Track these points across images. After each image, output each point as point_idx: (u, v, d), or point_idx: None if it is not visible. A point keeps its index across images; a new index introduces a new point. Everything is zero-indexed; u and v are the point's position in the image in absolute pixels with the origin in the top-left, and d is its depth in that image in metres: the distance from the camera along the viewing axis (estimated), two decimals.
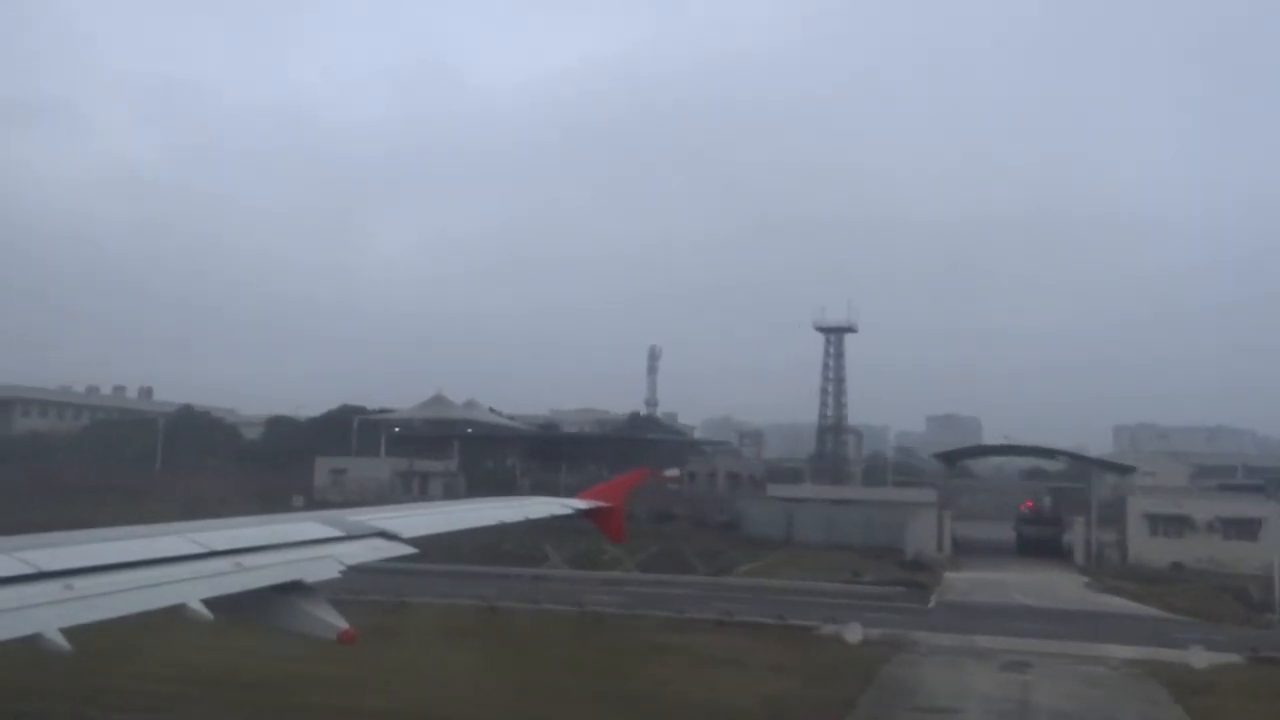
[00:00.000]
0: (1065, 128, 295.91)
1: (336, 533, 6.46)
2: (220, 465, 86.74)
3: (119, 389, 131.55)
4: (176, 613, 4.74)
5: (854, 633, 31.81)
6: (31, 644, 4.03)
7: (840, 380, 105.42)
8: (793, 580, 48.29)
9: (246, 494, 62.04)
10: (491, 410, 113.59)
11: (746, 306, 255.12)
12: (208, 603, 4.84)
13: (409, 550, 6.66)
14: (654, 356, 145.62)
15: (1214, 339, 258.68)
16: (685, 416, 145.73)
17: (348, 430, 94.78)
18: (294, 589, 5.36)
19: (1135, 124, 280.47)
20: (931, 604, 44.07)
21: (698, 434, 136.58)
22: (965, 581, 52.90)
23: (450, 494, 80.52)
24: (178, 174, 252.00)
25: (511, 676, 24.20)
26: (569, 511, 9.59)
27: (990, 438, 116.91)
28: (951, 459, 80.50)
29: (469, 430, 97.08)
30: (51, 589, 4.48)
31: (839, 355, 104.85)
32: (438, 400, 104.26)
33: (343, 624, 5.11)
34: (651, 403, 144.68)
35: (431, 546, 7.04)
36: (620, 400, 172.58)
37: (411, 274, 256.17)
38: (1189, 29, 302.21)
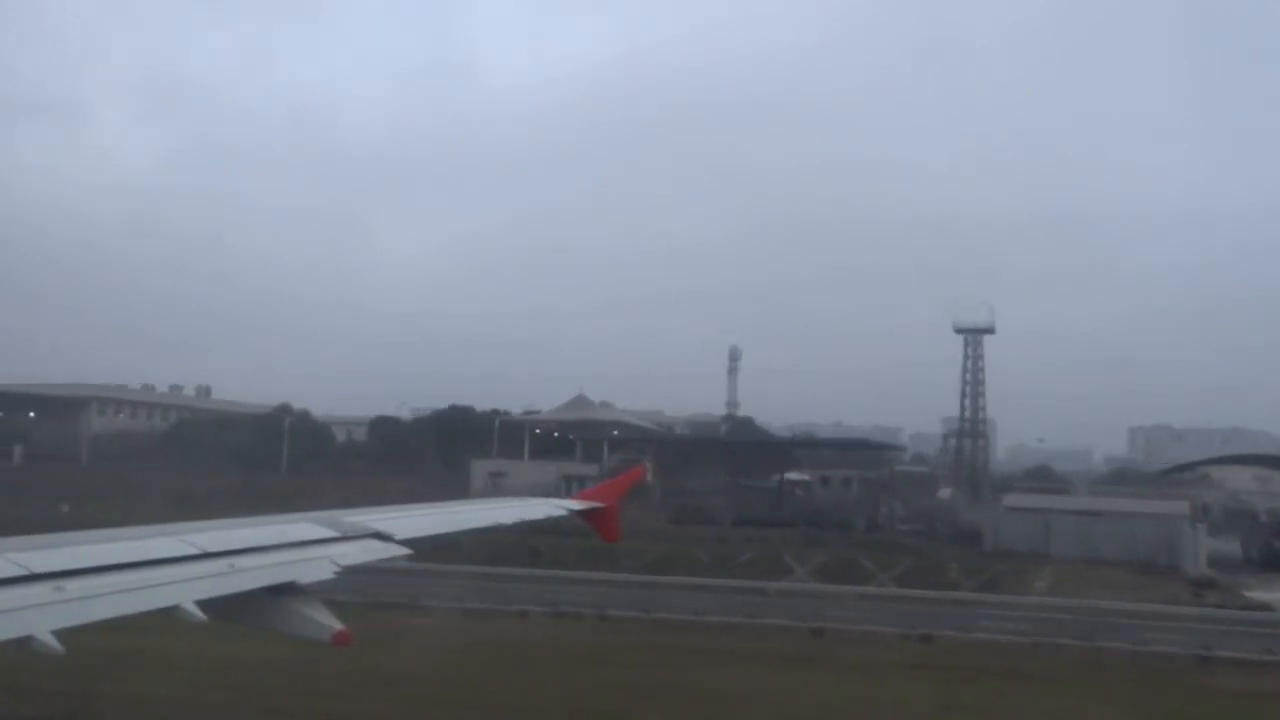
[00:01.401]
0: (1081, 124, 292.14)
1: (331, 533, 6.44)
2: (335, 466, 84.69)
3: (175, 388, 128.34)
4: (170, 614, 4.73)
5: None
6: (23, 646, 4.02)
7: (979, 383, 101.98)
8: (1101, 600, 43.10)
9: (400, 497, 61.52)
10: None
11: (808, 308, 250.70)
12: (201, 604, 4.82)
13: (403, 551, 6.65)
14: (734, 357, 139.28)
15: (1229, 338, 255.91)
16: (763, 420, 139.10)
17: (456, 431, 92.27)
18: (288, 590, 5.34)
19: (1156, 121, 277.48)
20: None
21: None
22: None
23: None
24: (180, 174, 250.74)
25: None
26: (564, 512, 9.59)
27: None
28: (1181, 470, 78.05)
29: (615, 433, 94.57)
30: (43, 591, 4.45)
31: (978, 357, 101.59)
32: (579, 401, 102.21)
33: (337, 625, 5.10)
34: (732, 404, 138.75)
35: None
36: (682, 402, 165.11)
37: (437, 274, 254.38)
38: (1228, 19, 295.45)
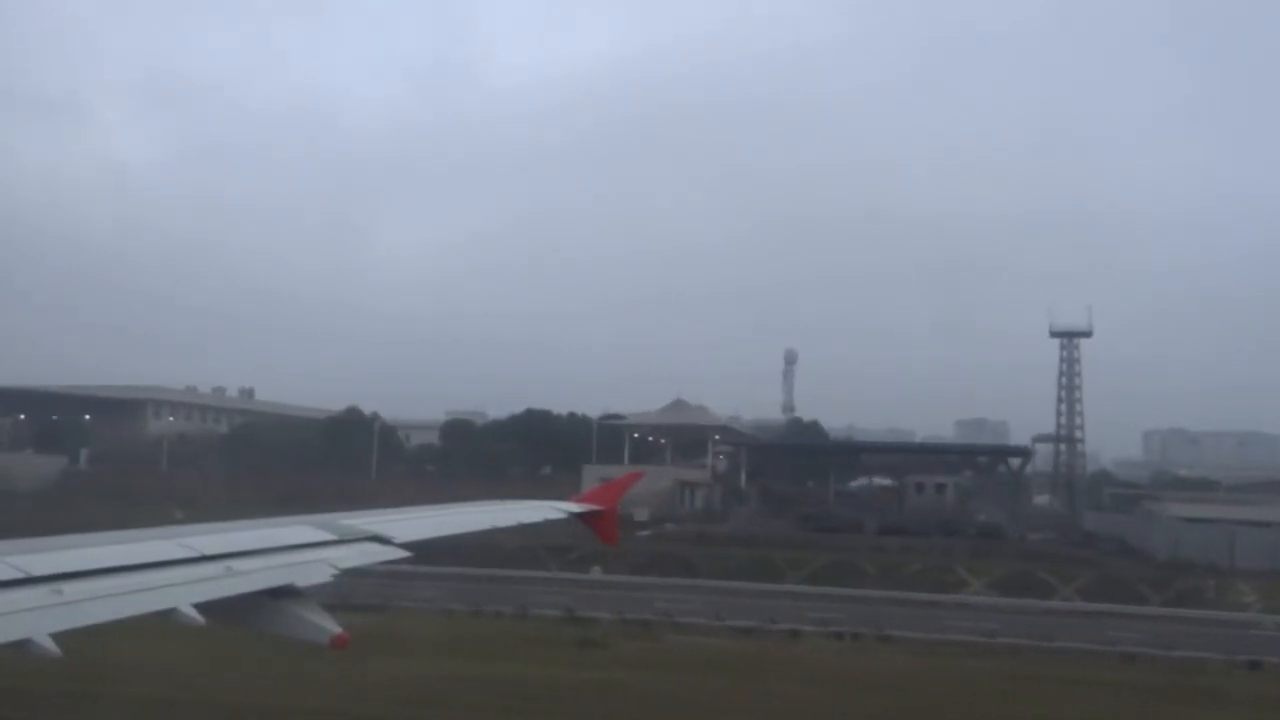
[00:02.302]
0: (1098, 126, 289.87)
1: (329, 536, 6.43)
2: (412, 470, 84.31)
3: (218, 390, 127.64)
4: (168, 617, 4.72)
5: None
6: (21, 649, 4.01)
7: (1075, 388, 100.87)
8: None
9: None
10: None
11: (847, 308, 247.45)
12: (199, 607, 4.82)
13: (402, 554, 6.64)
14: (790, 360, 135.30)
15: (1242, 340, 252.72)
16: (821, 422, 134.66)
17: (535, 435, 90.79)
18: (286, 593, 5.34)
19: (1177, 122, 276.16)
20: None
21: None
22: None
23: (709, 508, 79.24)
24: (179, 173, 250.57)
25: None
26: (562, 515, 9.57)
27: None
28: None
29: (717, 437, 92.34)
30: (41, 594, 4.44)
31: (1073, 361, 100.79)
32: (678, 405, 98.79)
33: (335, 628, 5.09)
34: (788, 408, 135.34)
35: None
36: (735, 405, 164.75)
37: (452, 275, 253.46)
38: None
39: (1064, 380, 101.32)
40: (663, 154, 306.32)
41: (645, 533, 67.13)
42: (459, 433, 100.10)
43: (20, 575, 4.50)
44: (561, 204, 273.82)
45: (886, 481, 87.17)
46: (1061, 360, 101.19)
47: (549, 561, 52.38)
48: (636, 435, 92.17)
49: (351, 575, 5.93)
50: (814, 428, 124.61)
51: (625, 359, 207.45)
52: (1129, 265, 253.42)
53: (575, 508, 9.76)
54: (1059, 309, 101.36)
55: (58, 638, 4.11)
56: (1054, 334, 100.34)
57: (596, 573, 51.07)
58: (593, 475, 78.11)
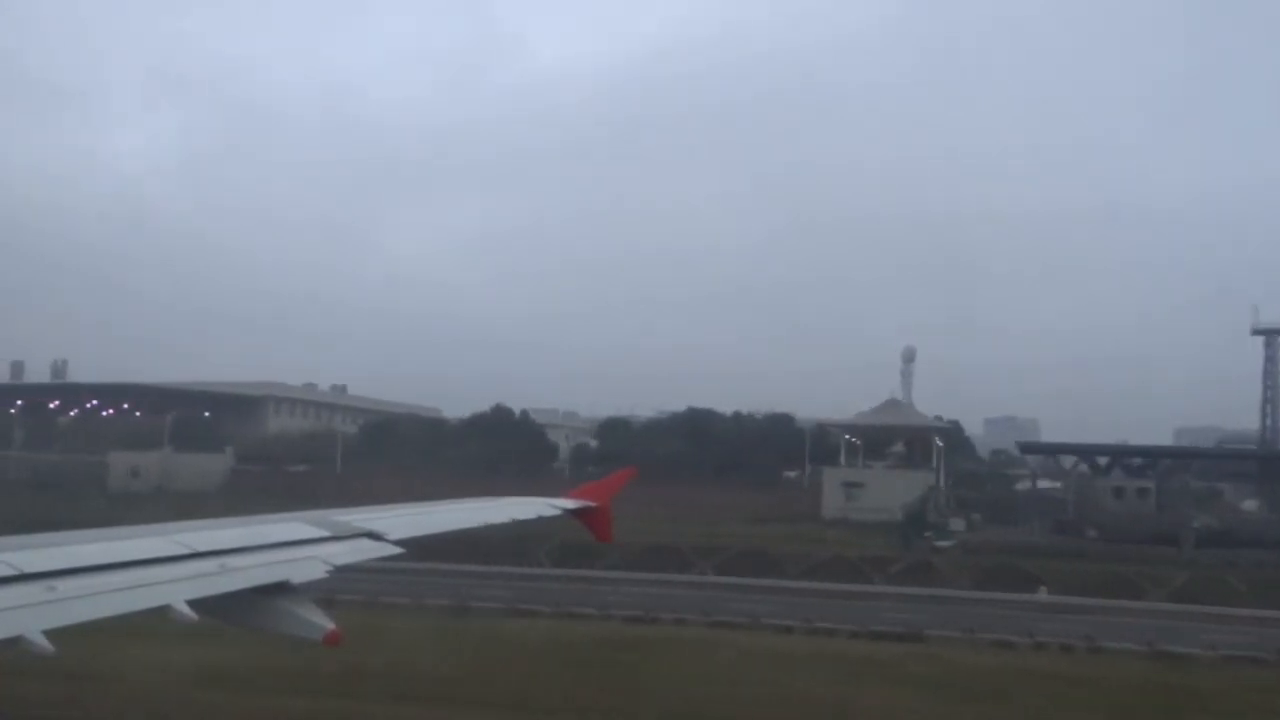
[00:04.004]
0: (1138, 118, 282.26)
1: (322, 533, 6.42)
2: (575, 470, 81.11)
3: (309, 385, 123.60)
4: (161, 614, 4.71)
5: None
6: (14, 646, 4.00)
7: (1274, 387, 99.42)
8: None
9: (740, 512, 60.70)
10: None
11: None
12: (193, 604, 4.81)
13: (396, 551, 6.62)
14: (907, 358, 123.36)
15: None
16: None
17: (701, 434, 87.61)
18: (280, 590, 5.33)
19: (1215, 115, 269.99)
20: None
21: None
22: None
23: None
24: (198, 168, 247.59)
25: None
26: (557, 512, 9.55)
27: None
28: None
29: (940, 442, 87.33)
30: (34, 591, 4.43)
31: (1277, 360, 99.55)
32: (892, 405, 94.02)
33: (329, 625, 5.08)
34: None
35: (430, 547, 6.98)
36: (837, 401, 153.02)
37: (506, 271, 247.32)
38: None
39: (1268, 380, 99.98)
40: (726, 148, 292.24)
41: (945, 543, 63.08)
42: (616, 432, 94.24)
43: (12, 572, 4.49)
44: (619, 200, 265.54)
45: (1055, 484, 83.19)
46: (1266, 359, 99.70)
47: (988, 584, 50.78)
48: (849, 437, 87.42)
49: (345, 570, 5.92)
50: (954, 429, 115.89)
51: (711, 358, 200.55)
52: (1176, 259, 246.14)
53: (570, 504, 9.75)
54: (1266, 306, 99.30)
55: (50, 635, 4.11)
56: (1256, 332, 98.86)
57: (1043, 594, 48.13)
58: (833, 480, 76.33)
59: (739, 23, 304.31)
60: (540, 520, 9.40)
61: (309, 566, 5.72)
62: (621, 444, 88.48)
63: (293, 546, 6.04)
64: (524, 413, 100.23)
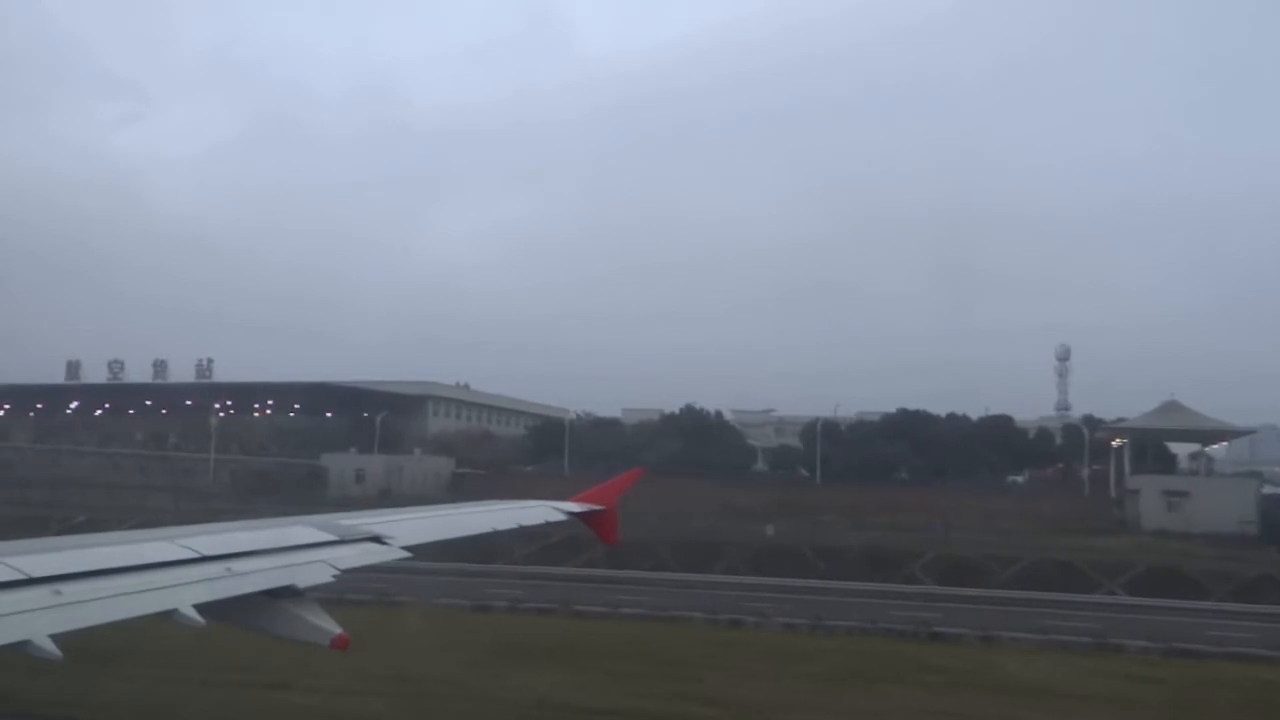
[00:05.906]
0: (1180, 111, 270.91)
1: (329, 537, 6.42)
2: (781, 474, 79.94)
3: (462, 385, 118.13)
4: (168, 618, 4.71)
5: None
6: (21, 651, 4.00)
7: None
8: None
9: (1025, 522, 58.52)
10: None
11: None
12: (199, 608, 4.81)
13: (403, 555, 6.63)
14: (1062, 357, 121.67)
15: None
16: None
17: (916, 436, 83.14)
18: (286, 594, 5.33)
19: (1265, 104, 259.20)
20: None
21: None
22: None
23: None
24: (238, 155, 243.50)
25: None
26: (563, 516, 9.55)
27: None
28: None
29: (1225, 444, 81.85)
30: (41, 595, 4.43)
31: None
32: (1172, 408, 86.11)
33: (336, 629, 5.08)
34: (1062, 406, 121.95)
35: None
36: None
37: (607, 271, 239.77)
38: None
39: None
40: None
41: None
42: (827, 434, 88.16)
43: (20, 576, 4.49)
44: (715, 197, 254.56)
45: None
46: None
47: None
48: (1120, 441, 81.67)
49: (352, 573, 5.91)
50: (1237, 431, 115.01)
51: (813, 358, 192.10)
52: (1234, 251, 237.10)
53: (576, 507, 9.74)
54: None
55: (57, 639, 4.10)
56: None
57: None
58: (1152, 488, 68.73)
59: (797, 26, 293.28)
60: (548, 524, 9.41)
61: (315, 570, 5.72)
62: (830, 446, 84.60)
63: (299, 550, 6.04)
64: (718, 412, 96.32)
